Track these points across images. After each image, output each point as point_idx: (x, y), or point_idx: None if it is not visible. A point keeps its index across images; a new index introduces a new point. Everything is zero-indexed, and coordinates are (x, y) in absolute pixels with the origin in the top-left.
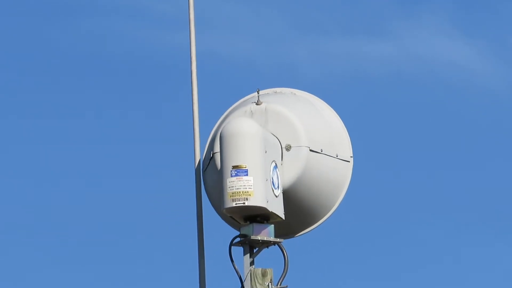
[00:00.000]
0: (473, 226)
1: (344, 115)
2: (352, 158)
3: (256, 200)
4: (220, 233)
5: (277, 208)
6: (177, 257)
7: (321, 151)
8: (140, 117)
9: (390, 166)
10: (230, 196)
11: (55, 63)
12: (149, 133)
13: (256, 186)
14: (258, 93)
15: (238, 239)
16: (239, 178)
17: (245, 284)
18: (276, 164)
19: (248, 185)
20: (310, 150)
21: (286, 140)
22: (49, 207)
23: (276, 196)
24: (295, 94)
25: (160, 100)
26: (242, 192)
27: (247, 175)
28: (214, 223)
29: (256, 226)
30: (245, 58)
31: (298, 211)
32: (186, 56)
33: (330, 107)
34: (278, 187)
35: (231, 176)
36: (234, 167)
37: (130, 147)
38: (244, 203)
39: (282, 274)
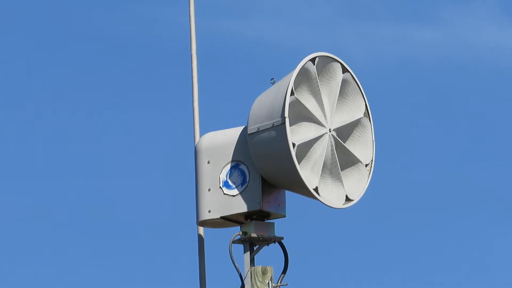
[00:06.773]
0: None
1: (391, 100)
2: (286, 118)
3: (198, 217)
4: (221, 231)
5: (237, 206)
6: (177, 257)
7: (258, 129)
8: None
9: (441, 151)
10: None
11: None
12: (169, 126)
13: (197, 204)
14: (272, 84)
15: (238, 237)
16: None
17: (245, 282)
18: (238, 162)
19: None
20: (249, 135)
21: None
22: (46, 206)
23: (234, 196)
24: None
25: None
26: None
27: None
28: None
29: (256, 223)
30: (294, 44)
31: (298, 189)
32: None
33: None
34: (242, 183)
35: None
36: None
37: (146, 144)
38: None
39: (283, 272)
